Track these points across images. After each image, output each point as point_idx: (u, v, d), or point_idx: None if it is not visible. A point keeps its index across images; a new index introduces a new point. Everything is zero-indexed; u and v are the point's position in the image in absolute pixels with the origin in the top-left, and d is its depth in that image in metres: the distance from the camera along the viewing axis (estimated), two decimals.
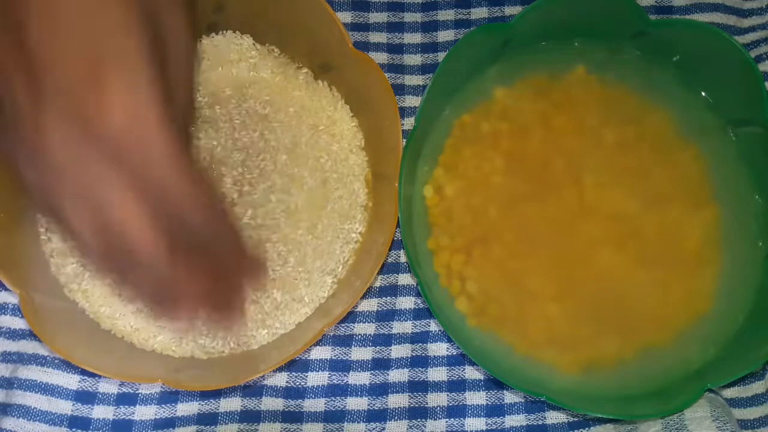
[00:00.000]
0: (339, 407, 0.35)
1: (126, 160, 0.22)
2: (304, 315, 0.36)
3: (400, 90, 0.40)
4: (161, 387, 0.35)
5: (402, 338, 0.36)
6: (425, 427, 0.35)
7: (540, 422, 0.35)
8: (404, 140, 0.34)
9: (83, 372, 0.35)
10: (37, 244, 0.36)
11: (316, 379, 0.36)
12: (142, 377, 0.34)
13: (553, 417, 0.35)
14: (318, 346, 0.36)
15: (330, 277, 0.36)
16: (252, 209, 0.36)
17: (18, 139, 0.23)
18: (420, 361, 0.36)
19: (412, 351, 0.36)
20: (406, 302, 0.37)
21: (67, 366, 0.35)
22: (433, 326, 0.37)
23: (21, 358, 0.35)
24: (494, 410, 0.35)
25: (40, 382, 0.35)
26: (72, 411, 0.35)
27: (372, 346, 0.36)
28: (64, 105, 0.22)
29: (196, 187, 0.24)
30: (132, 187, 0.22)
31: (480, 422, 0.35)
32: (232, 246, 0.27)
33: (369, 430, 0.35)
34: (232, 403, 0.35)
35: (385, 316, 0.37)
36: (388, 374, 0.36)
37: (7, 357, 0.36)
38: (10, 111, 0.23)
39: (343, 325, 0.36)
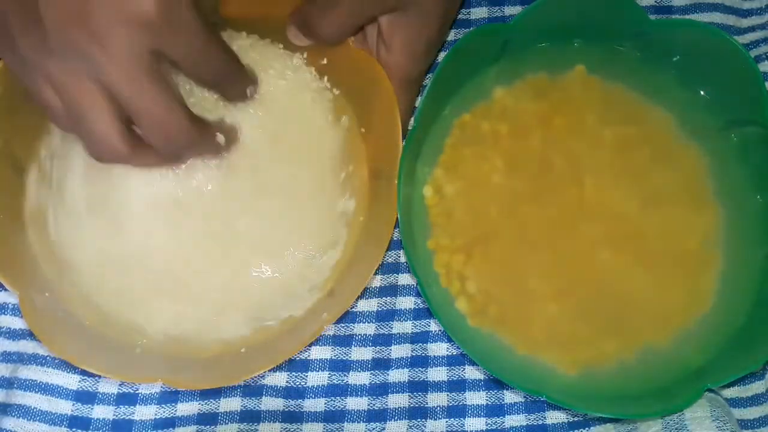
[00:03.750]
0: (339, 407, 0.35)
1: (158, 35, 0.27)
2: (304, 309, 0.36)
3: None
4: (161, 387, 0.35)
5: (402, 338, 0.36)
6: (425, 427, 0.35)
7: (540, 422, 0.35)
8: (404, 140, 0.34)
9: (83, 372, 0.35)
10: (38, 244, 0.36)
11: (316, 379, 0.36)
12: (142, 377, 0.34)
13: (553, 417, 0.35)
14: (318, 346, 0.36)
15: (329, 274, 0.36)
16: (255, 204, 0.36)
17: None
18: (420, 361, 0.36)
19: (412, 351, 0.36)
20: (406, 302, 0.37)
21: (67, 366, 0.35)
22: (433, 326, 0.37)
23: (21, 358, 0.35)
24: (494, 410, 0.35)
25: (40, 382, 0.35)
26: (72, 411, 0.35)
27: (372, 346, 0.36)
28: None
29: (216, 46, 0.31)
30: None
31: (480, 422, 0.35)
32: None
33: (369, 430, 0.35)
34: (232, 403, 0.35)
35: (385, 316, 0.37)
36: (388, 374, 0.36)
37: (7, 357, 0.36)
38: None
39: (343, 325, 0.36)
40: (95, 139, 0.29)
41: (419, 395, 0.35)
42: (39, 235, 0.36)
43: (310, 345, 0.36)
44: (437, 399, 0.35)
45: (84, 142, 0.30)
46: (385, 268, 0.37)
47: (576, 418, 0.35)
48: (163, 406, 0.35)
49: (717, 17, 0.40)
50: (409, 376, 0.36)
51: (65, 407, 0.35)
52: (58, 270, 0.36)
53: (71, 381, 0.35)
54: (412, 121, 0.39)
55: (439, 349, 0.36)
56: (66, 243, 0.37)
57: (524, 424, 0.35)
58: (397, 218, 0.34)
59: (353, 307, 0.37)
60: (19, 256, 0.35)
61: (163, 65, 0.28)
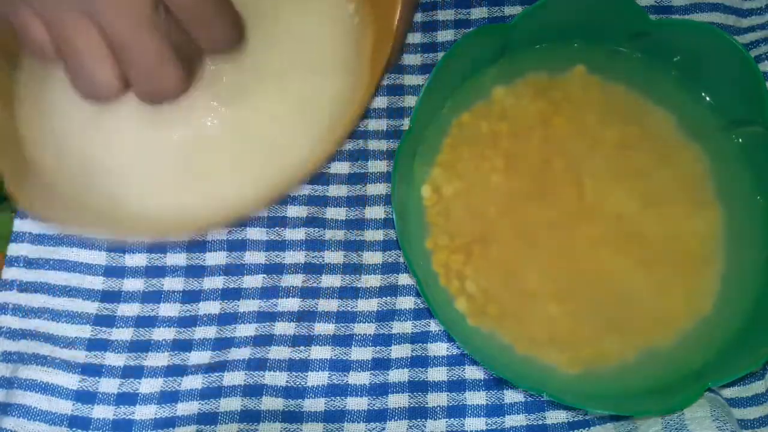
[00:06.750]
0: (339, 407, 0.35)
1: None
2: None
3: (399, 90, 0.40)
4: (161, 387, 0.36)
5: (402, 338, 0.36)
6: (425, 427, 0.35)
7: (540, 422, 0.35)
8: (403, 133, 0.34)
9: (83, 372, 0.35)
10: (26, 126, 0.34)
11: (316, 379, 0.36)
12: (132, 234, 0.33)
13: (553, 417, 0.35)
14: (318, 346, 0.36)
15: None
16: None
17: None
18: (420, 361, 0.36)
19: (412, 351, 0.36)
20: (406, 302, 0.37)
21: (68, 366, 0.35)
22: (433, 326, 0.37)
23: (21, 358, 0.35)
24: (494, 410, 0.35)
25: (40, 382, 0.35)
26: (72, 411, 0.35)
27: (372, 346, 0.36)
28: None
29: None
30: None
31: (480, 422, 0.35)
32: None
33: (369, 430, 0.35)
34: (232, 403, 0.35)
35: (385, 316, 0.37)
36: (388, 374, 0.36)
37: (7, 357, 0.36)
38: None
39: (343, 325, 0.36)
40: (90, 79, 0.28)
41: (419, 395, 0.35)
42: (27, 116, 0.35)
43: (310, 345, 0.36)
44: (437, 399, 0.35)
45: (74, 77, 0.29)
46: (385, 268, 0.37)
47: (576, 418, 0.35)
48: (163, 406, 0.35)
49: (717, 17, 0.40)
50: (409, 376, 0.36)
51: (65, 407, 0.35)
52: (46, 151, 0.35)
53: (71, 381, 0.35)
54: (408, 120, 0.39)
55: (439, 349, 0.36)
56: (54, 130, 0.35)
57: (524, 423, 0.35)
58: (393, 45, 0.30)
59: (353, 308, 0.37)
60: (3, 134, 0.33)
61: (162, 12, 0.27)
